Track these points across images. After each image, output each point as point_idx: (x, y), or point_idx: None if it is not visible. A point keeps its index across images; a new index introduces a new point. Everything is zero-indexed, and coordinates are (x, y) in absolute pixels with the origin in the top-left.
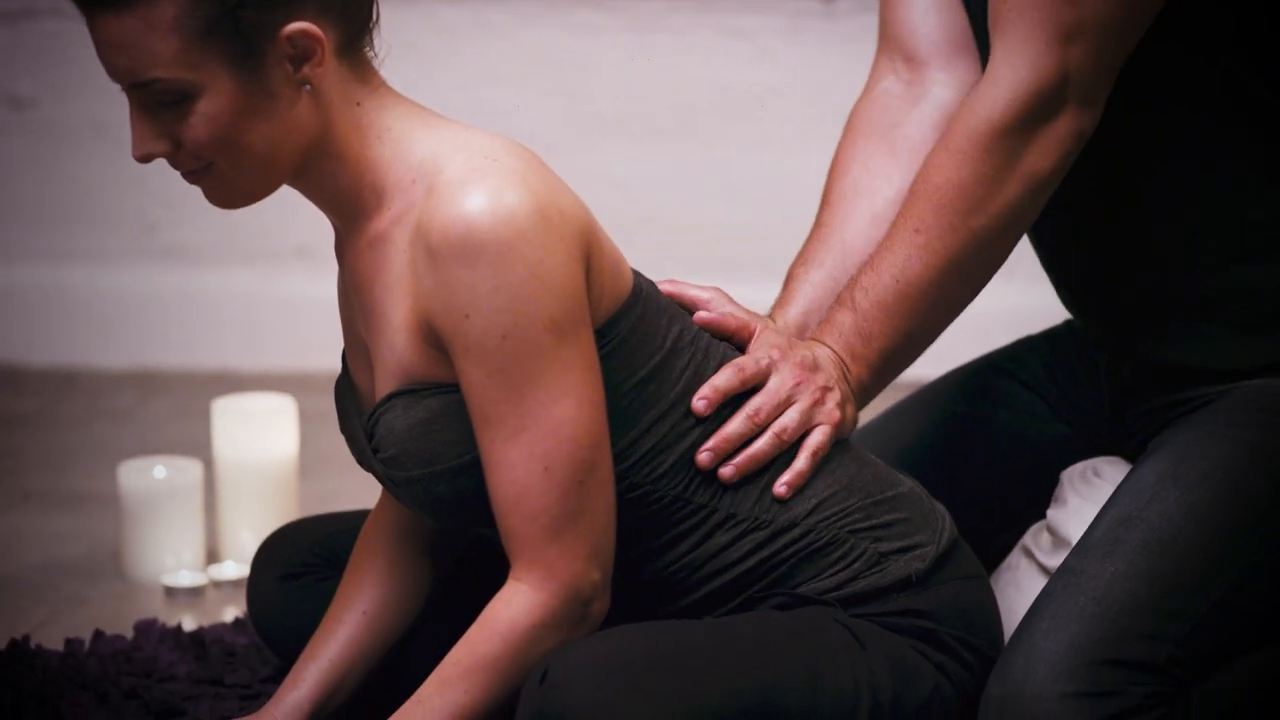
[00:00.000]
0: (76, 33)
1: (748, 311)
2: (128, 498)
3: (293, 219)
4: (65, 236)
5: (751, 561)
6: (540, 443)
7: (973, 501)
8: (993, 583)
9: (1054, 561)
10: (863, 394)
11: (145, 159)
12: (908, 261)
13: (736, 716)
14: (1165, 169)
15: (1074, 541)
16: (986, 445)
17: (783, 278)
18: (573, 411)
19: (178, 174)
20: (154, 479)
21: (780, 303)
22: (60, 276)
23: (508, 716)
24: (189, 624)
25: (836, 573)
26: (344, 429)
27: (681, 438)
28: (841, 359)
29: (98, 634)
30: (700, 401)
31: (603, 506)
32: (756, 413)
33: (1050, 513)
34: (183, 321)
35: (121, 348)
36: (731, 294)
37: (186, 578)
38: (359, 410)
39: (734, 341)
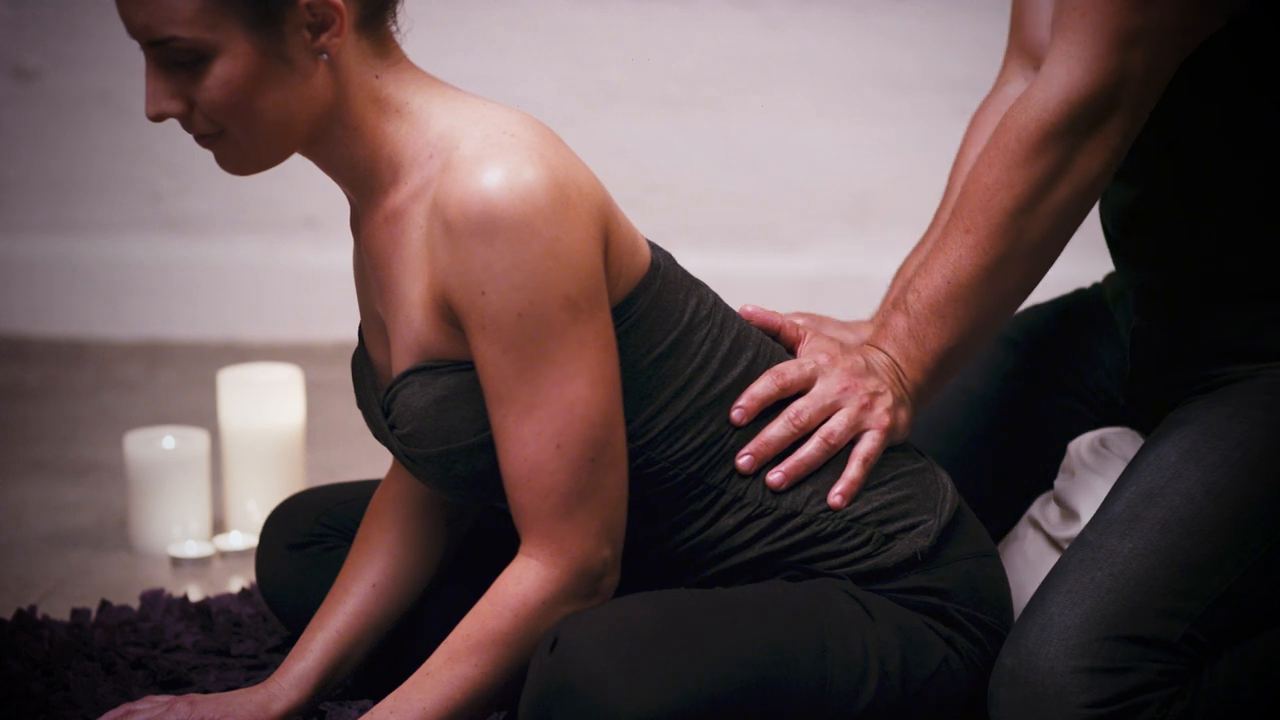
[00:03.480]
0: (82, 3)
1: (844, 324)
2: (134, 468)
3: (300, 190)
4: (72, 207)
5: (758, 548)
6: (553, 420)
7: (980, 476)
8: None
9: (1063, 533)
10: (919, 397)
11: (158, 118)
12: (959, 262)
13: (745, 686)
14: (1244, 162)
15: (1082, 512)
16: (994, 420)
17: (788, 245)
18: (586, 390)
19: (184, 144)
20: (161, 449)
21: (888, 300)
22: (67, 247)
23: (517, 685)
24: (195, 594)
25: (844, 554)
26: (360, 404)
27: (698, 416)
28: (896, 363)
29: (104, 604)
30: (737, 411)
31: (614, 484)
32: (797, 415)
33: (1058, 484)
34: (190, 292)
35: (128, 318)
36: (736, 262)
37: (193, 548)
38: (375, 386)
39: (780, 341)
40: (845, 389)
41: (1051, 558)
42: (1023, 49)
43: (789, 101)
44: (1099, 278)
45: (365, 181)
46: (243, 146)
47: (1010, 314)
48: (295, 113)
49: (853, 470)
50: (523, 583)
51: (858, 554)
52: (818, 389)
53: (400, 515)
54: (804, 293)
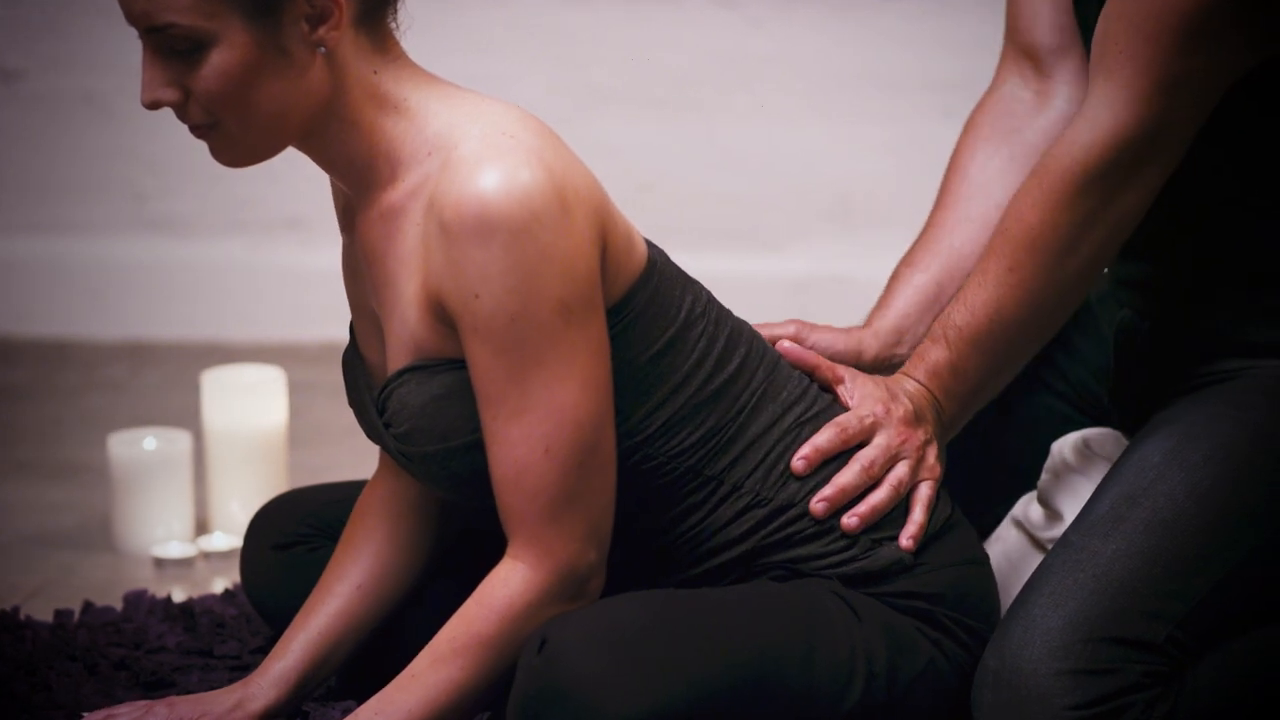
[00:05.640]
0: (66, 4)
1: (840, 331)
2: (118, 469)
3: (285, 190)
4: (56, 208)
5: (753, 540)
6: (542, 424)
7: (964, 475)
8: None
9: (1046, 534)
10: (951, 426)
11: (153, 106)
12: (1001, 301)
13: (733, 686)
14: (1239, 155)
15: (1065, 513)
16: (978, 419)
17: (774, 246)
18: (576, 394)
19: (169, 144)
20: (144, 450)
21: (881, 303)
22: (51, 247)
23: (502, 685)
24: (178, 595)
25: (830, 555)
26: (353, 402)
27: (696, 412)
28: (935, 397)
29: (87, 605)
30: (800, 461)
31: (602, 487)
32: (871, 465)
33: (1042, 484)
34: (174, 292)
35: (113, 319)
36: (723, 263)
37: (176, 549)
38: (369, 384)
39: (814, 379)
40: (904, 441)
41: (1035, 558)
42: (1019, 50)
43: (776, 102)
44: None
45: (362, 177)
46: (237, 138)
47: (1041, 347)
48: (291, 105)
49: (918, 514)
50: (509, 586)
51: (844, 556)
52: (880, 440)
53: (386, 516)
54: (790, 294)
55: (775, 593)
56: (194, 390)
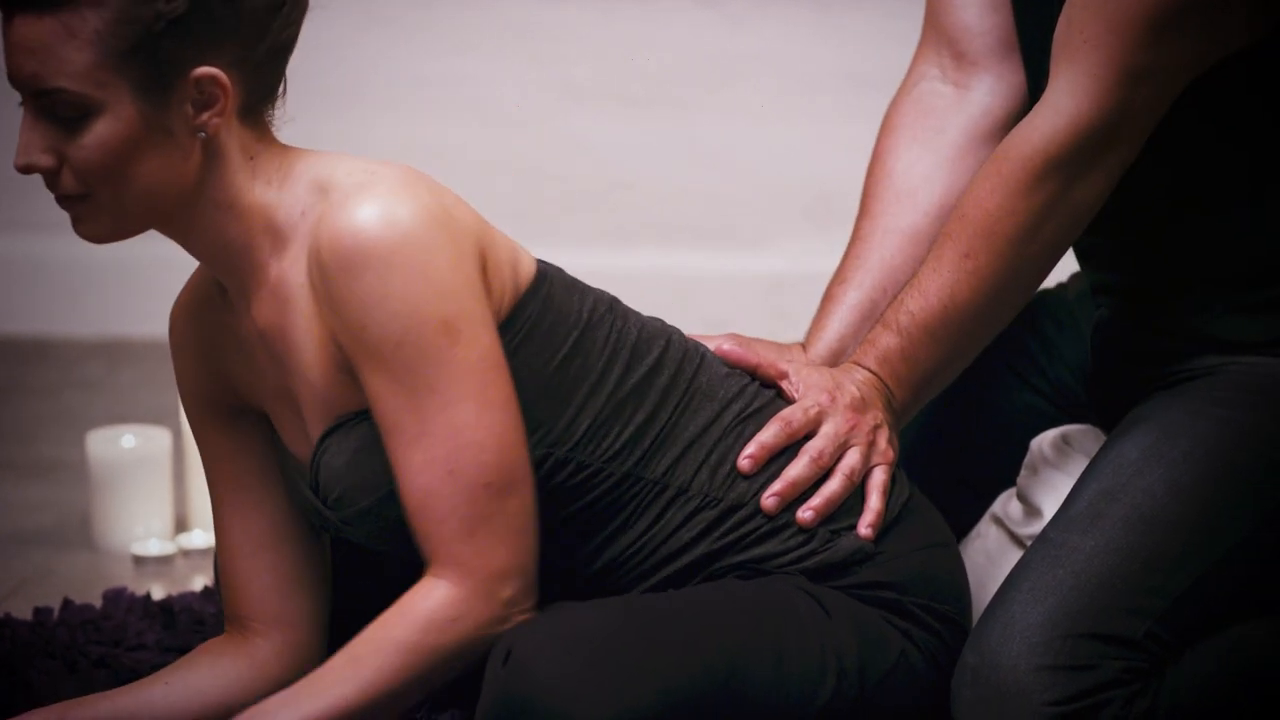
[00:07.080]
0: None
1: (777, 346)
2: (96, 467)
3: None
4: (34, 206)
5: (706, 544)
6: (441, 446)
7: (943, 472)
8: (962, 552)
9: (1026, 530)
10: (903, 414)
11: (26, 170)
12: (956, 286)
13: (704, 689)
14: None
15: (1045, 509)
16: (957, 416)
17: (750, 244)
18: (473, 414)
19: None
20: (123, 448)
21: (817, 324)
22: (29, 246)
23: (472, 697)
24: (158, 593)
25: (790, 551)
26: (298, 498)
27: (620, 409)
28: (885, 384)
29: (66, 603)
30: (746, 460)
31: (516, 509)
32: (820, 455)
33: (1021, 481)
34: (151, 290)
35: (90, 316)
36: (699, 261)
37: (155, 546)
38: (302, 474)
39: (757, 377)
40: (852, 427)
41: (1014, 555)
42: (940, 34)
43: (752, 100)
44: (1064, 278)
45: (245, 259)
46: (108, 211)
47: (994, 335)
48: (166, 184)
49: (875, 501)
50: (430, 599)
51: (804, 550)
52: (828, 429)
53: (218, 658)
54: (768, 292)
55: (742, 592)
56: (172, 387)
